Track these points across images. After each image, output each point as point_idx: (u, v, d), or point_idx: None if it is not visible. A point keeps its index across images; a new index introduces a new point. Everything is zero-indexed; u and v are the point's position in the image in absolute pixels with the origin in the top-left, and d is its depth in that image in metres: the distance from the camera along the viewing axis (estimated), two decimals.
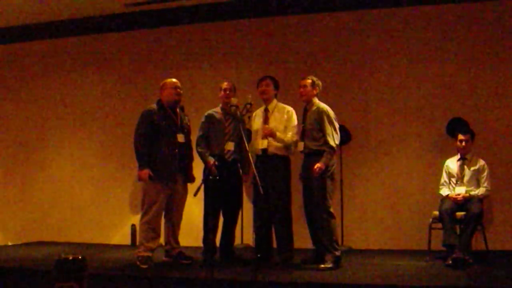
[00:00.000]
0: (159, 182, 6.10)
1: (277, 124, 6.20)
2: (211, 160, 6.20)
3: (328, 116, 5.95)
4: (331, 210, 5.93)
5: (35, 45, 9.25)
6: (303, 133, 6.11)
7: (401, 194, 7.50)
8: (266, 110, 6.30)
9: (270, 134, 6.08)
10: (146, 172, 6.04)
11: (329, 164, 5.89)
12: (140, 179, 6.15)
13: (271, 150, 6.14)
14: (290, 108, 6.31)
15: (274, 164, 6.10)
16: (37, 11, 8.38)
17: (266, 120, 6.24)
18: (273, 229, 6.27)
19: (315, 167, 5.79)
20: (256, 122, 6.35)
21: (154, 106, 6.27)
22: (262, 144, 6.16)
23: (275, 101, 6.35)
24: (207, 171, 6.16)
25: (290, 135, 6.17)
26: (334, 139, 5.91)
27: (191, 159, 6.51)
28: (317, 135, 5.96)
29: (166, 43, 8.62)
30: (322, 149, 5.90)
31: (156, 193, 6.11)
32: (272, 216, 6.19)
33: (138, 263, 6.05)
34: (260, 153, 6.17)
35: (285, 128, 6.19)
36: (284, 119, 6.22)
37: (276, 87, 6.36)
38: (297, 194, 6.30)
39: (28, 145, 9.12)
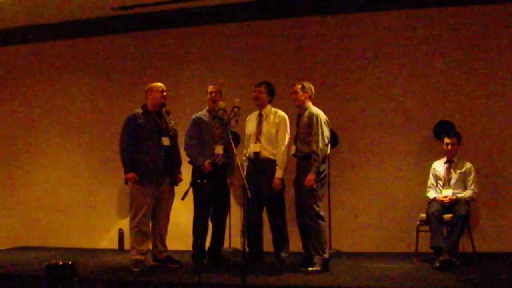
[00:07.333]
0: (144, 186, 6.14)
1: (270, 128, 6.25)
2: (207, 162, 6.25)
3: (318, 120, 5.98)
4: (321, 213, 5.97)
5: (21, 49, 9.16)
6: (296, 137, 6.16)
7: (388, 197, 7.53)
8: (260, 115, 6.36)
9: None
10: (131, 175, 6.12)
11: (319, 170, 5.92)
12: (126, 181, 6.22)
13: (264, 154, 6.20)
14: (282, 113, 6.35)
15: (266, 167, 6.15)
16: (23, 14, 8.31)
17: (259, 124, 6.29)
18: (262, 233, 6.34)
19: (306, 180, 5.84)
20: (250, 126, 6.41)
21: (139, 110, 6.31)
22: (254, 147, 6.22)
23: (269, 106, 6.39)
24: (196, 175, 6.16)
25: (282, 151, 6.20)
26: (319, 144, 5.92)
27: (178, 162, 6.53)
28: (308, 139, 6.00)
29: (153, 46, 8.57)
30: (312, 152, 5.93)
31: (143, 196, 6.15)
32: (261, 219, 6.31)
33: (131, 266, 6.12)
34: (252, 156, 6.22)
35: (277, 132, 6.24)
36: (276, 123, 6.27)
37: (271, 93, 6.39)
38: (288, 197, 6.34)
39: (15, 149, 9.02)
